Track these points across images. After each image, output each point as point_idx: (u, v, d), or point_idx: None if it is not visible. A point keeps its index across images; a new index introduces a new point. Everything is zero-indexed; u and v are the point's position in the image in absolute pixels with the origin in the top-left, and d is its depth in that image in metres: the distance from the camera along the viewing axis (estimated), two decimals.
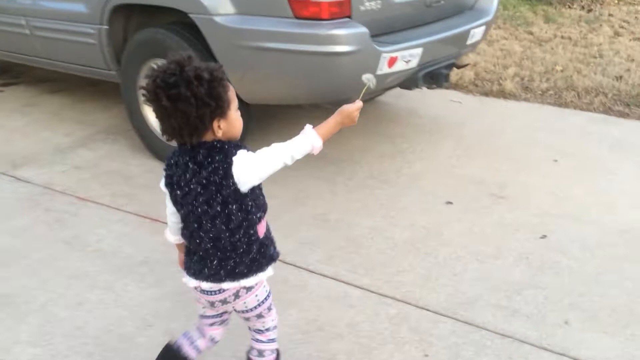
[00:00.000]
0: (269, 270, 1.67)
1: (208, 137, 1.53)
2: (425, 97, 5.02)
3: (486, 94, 5.20)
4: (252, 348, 1.82)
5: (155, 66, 1.50)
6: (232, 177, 1.52)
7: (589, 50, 6.35)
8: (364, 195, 3.39)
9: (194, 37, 3.26)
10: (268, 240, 1.66)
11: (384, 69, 3.15)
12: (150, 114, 3.65)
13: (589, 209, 3.25)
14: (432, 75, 3.64)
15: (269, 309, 1.75)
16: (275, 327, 1.81)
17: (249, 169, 1.53)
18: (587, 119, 4.68)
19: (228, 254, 1.59)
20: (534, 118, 4.66)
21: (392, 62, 3.16)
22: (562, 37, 6.86)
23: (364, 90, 1.73)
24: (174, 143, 1.59)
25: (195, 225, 1.58)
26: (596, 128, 4.47)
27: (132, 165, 3.74)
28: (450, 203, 3.30)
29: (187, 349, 1.79)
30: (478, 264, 2.74)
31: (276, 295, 1.80)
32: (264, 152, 1.56)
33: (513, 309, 2.43)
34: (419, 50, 3.28)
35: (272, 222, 1.75)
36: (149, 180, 3.52)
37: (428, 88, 3.82)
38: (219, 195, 1.53)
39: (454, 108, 4.87)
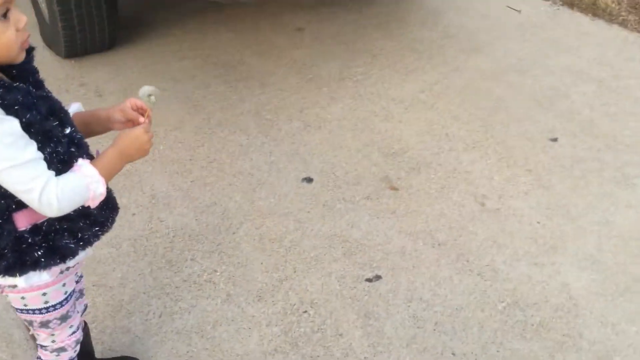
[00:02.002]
0: (31, 277, 1.12)
1: None
2: None
3: (572, 4, 3.56)
4: None
5: None
6: None
7: None
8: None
9: None
10: (38, 237, 1.09)
11: None
12: None
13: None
14: None
15: (46, 326, 1.23)
16: (58, 350, 1.29)
17: None
18: None
19: None
20: (595, 63, 3.05)
21: None
22: None
23: (148, 110, 1.17)
24: None
25: None
26: None
27: None
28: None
29: None
30: None
31: None
32: (16, 145, 0.98)
33: None
34: None
35: None
36: None
37: None
38: None
39: (503, 19, 3.41)
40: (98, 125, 1.21)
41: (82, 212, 1.12)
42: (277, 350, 1.65)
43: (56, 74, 2.80)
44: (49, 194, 1.01)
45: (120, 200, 2.09)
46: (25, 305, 1.19)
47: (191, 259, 1.91)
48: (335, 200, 2.16)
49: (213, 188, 2.19)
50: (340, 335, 1.70)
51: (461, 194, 2.20)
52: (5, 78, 1.01)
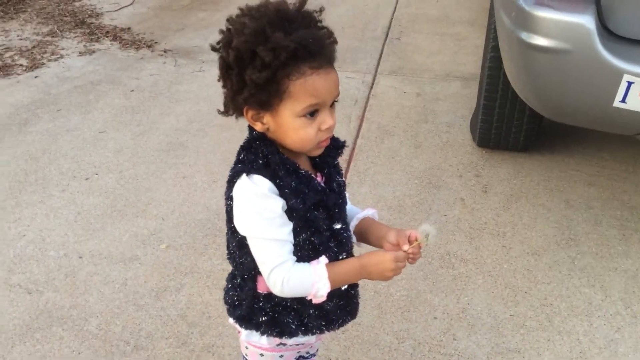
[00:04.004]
0: (251, 334, 1.21)
1: (255, 123, 1.07)
2: None
3: None
4: None
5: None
6: (231, 193, 1.10)
7: None
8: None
9: None
10: (268, 305, 1.16)
11: (632, 102, 1.79)
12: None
13: None
14: None
15: None
16: None
17: (237, 214, 1.08)
18: None
19: (229, 274, 1.26)
20: None
21: None
22: None
23: (416, 243, 1.11)
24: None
25: None
26: None
27: None
28: None
29: None
30: None
31: None
32: (265, 226, 1.05)
33: None
34: None
35: None
36: None
37: None
38: (227, 201, 1.12)
39: None
40: (373, 237, 1.21)
41: (318, 303, 1.14)
42: None
43: (462, 158, 2.89)
44: (277, 275, 1.07)
45: (433, 299, 2.07)
46: (246, 354, 1.28)
47: None
48: None
49: (527, 334, 1.94)
50: None
51: None
52: (295, 165, 1.08)
